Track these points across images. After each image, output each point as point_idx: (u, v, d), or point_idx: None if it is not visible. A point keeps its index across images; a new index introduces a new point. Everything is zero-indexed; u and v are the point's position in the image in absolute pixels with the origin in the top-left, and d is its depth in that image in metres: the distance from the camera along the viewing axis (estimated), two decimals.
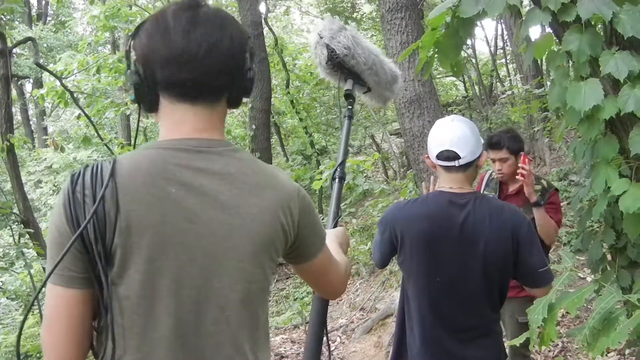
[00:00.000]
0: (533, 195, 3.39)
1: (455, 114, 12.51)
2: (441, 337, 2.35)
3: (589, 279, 5.10)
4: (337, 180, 2.21)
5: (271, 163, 7.73)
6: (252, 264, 1.34)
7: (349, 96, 2.40)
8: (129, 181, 1.23)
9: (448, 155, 2.32)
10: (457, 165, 2.31)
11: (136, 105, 1.43)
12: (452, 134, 2.32)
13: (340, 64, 2.35)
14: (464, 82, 15.19)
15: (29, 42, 9.88)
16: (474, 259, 2.29)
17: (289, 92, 14.19)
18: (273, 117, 14.21)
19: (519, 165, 3.44)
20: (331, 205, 2.17)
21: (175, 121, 1.34)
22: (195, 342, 1.28)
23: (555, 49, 2.45)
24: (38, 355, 7.35)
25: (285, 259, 1.51)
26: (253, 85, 1.43)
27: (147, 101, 1.35)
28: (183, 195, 1.26)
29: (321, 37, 2.35)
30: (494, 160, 3.69)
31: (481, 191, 3.79)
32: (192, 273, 1.27)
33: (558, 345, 4.93)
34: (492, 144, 3.59)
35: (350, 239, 2.53)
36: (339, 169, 2.23)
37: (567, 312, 2.43)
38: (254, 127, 9.16)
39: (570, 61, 2.37)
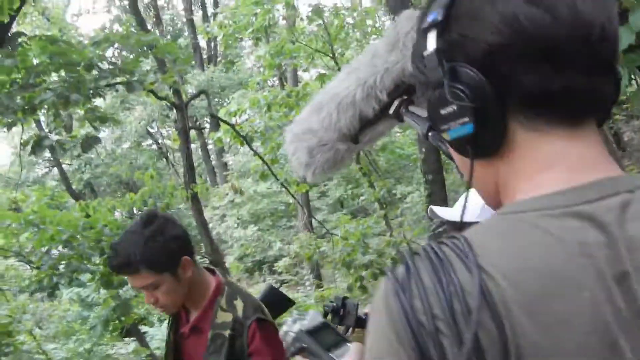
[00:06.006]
0: None
1: None
2: None
3: None
4: None
5: (444, 185, 7.48)
6: None
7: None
8: (513, 289, 0.64)
9: None
10: None
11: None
12: None
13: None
14: None
15: (202, 94, 10.39)
16: None
17: None
18: None
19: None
20: None
21: (542, 162, 0.74)
22: None
23: None
24: None
25: None
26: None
27: (491, 134, 0.74)
28: (603, 300, 0.64)
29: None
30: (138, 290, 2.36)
31: None
32: None
33: None
34: (118, 266, 2.02)
35: None
36: None
37: None
38: (424, 150, 8.93)
39: None
